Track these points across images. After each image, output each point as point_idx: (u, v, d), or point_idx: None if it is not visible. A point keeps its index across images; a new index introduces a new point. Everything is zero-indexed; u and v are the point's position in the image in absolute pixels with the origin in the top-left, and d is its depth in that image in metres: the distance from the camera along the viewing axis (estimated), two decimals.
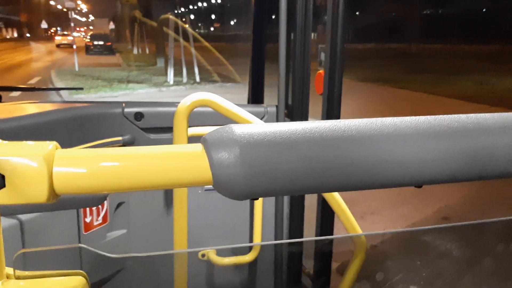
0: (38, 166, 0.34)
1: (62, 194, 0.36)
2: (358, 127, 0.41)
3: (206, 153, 0.38)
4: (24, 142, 0.36)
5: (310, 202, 2.04)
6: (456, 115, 0.45)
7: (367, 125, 0.42)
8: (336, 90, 1.79)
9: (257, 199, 0.40)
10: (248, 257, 1.83)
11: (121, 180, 0.36)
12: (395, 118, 0.44)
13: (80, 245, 0.47)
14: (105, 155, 0.37)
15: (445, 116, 0.45)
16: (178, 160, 0.38)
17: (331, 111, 1.78)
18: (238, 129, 0.38)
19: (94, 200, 0.91)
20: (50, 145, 0.36)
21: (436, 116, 0.45)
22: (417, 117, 0.44)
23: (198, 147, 0.39)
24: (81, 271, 0.42)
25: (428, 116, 0.45)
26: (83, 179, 0.36)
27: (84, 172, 0.36)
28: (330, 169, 0.40)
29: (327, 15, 1.75)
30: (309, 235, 2.06)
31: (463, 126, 0.43)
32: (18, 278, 0.41)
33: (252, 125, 0.40)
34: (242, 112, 1.32)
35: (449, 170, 0.43)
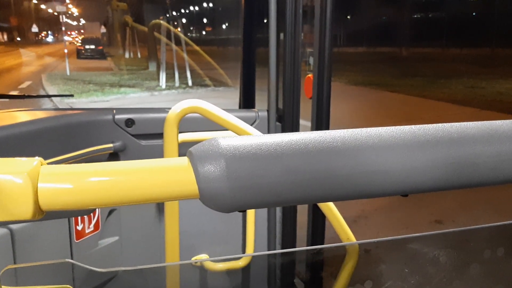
0: (23, 183, 0.34)
1: (48, 210, 0.36)
2: (344, 138, 0.42)
3: (192, 166, 0.38)
4: (9, 158, 0.36)
5: (303, 207, 2.04)
6: (440, 124, 0.46)
7: (352, 136, 0.42)
8: (325, 94, 1.80)
9: (245, 211, 0.40)
10: (241, 263, 1.82)
11: (107, 195, 0.36)
12: (380, 128, 0.44)
13: (67, 260, 0.46)
14: (90, 170, 0.37)
15: (429, 125, 0.45)
16: (164, 174, 0.38)
17: (321, 114, 1.80)
18: (223, 142, 0.39)
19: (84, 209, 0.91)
20: (35, 161, 0.36)
21: (421, 126, 0.45)
22: (402, 127, 0.45)
23: (184, 160, 0.39)
24: (69, 286, 0.42)
25: (413, 126, 0.45)
26: (68, 195, 0.35)
27: (69, 187, 0.35)
28: (316, 181, 0.40)
29: (314, 19, 1.75)
30: (303, 239, 2.06)
31: (447, 135, 0.44)
32: None
33: (238, 137, 0.40)
34: (232, 119, 1.32)
35: (434, 179, 0.43)
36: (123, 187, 0.37)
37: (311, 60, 1.95)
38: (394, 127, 0.44)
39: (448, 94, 10.96)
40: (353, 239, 1.34)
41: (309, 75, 1.92)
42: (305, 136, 0.41)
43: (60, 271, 0.58)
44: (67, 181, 0.36)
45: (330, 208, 1.32)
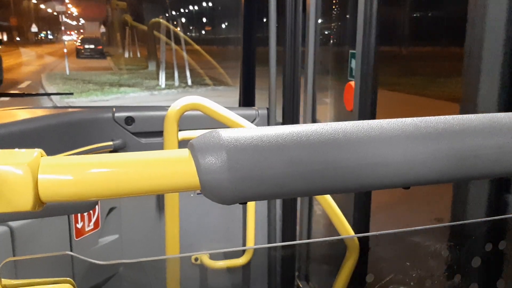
0: (23, 174, 0.34)
1: (48, 202, 0.35)
2: (345, 130, 0.42)
3: (193, 158, 0.38)
4: (9, 150, 0.36)
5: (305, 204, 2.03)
6: (442, 116, 0.45)
7: (353, 128, 0.42)
8: (369, 106, 1.46)
9: (246, 203, 0.40)
10: (241, 260, 1.83)
11: (107, 187, 0.36)
12: (381, 120, 0.44)
13: (68, 252, 0.46)
14: (91, 162, 0.37)
15: (431, 117, 0.45)
16: (165, 166, 0.38)
17: None
18: (224, 134, 0.38)
19: (84, 206, 0.91)
20: (35, 153, 0.35)
21: (422, 118, 0.45)
22: (404, 119, 0.44)
23: (185, 152, 0.39)
24: (69, 278, 0.41)
25: (414, 118, 0.45)
26: (68, 187, 0.35)
27: (69, 179, 0.35)
28: (317, 172, 0.40)
29: (358, 13, 1.46)
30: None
31: (449, 127, 0.44)
32: (4, 287, 0.40)
33: (239, 129, 0.40)
34: (233, 116, 1.33)
35: (436, 171, 0.43)
36: (123, 179, 0.37)
37: (353, 63, 1.60)
38: (395, 119, 0.44)
39: (448, 92, 10.95)
40: (351, 233, 1.34)
41: (350, 82, 1.59)
42: (307, 128, 0.41)
43: (60, 266, 0.57)
44: (67, 173, 0.35)
45: (329, 203, 1.32)
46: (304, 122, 1.93)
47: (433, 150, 0.42)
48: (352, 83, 1.54)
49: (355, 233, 1.41)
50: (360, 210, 1.65)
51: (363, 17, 1.43)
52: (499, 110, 1.26)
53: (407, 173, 0.42)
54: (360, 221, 1.62)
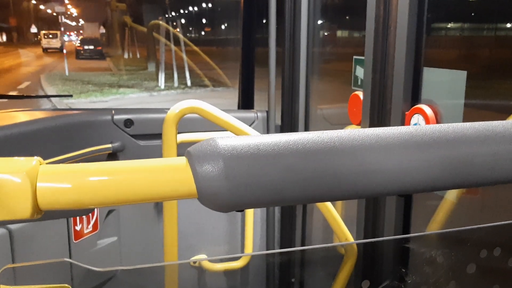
0: (21, 182, 0.34)
1: (47, 210, 0.36)
2: (341, 138, 0.42)
3: (190, 166, 0.38)
4: (8, 158, 0.36)
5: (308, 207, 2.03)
6: (437, 125, 0.46)
7: (350, 136, 0.42)
8: (382, 119, 1.27)
9: (243, 211, 0.41)
10: (239, 263, 1.83)
11: (106, 195, 0.36)
12: (377, 128, 0.44)
13: (65, 259, 0.46)
14: (89, 170, 0.37)
15: (426, 125, 0.46)
16: (163, 174, 0.38)
17: None
18: (221, 142, 0.39)
19: (83, 209, 0.91)
20: (34, 161, 0.36)
21: (418, 126, 0.45)
22: (399, 127, 0.45)
23: (183, 160, 0.40)
24: (67, 285, 0.42)
25: (410, 126, 0.46)
26: (67, 194, 0.36)
27: (68, 187, 0.36)
28: (314, 180, 0.40)
29: (367, 16, 1.30)
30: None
31: (444, 135, 0.44)
32: None
33: (236, 137, 0.40)
34: (231, 119, 1.33)
35: (431, 179, 0.43)
36: (121, 187, 0.37)
37: (358, 71, 1.44)
38: (391, 127, 0.45)
39: None
40: (351, 239, 1.34)
41: (356, 92, 1.44)
42: (303, 136, 0.41)
43: (58, 271, 0.58)
44: (65, 181, 0.36)
45: (328, 209, 1.32)
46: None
47: (428, 158, 0.43)
48: (359, 93, 1.39)
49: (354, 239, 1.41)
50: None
51: (374, 19, 1.27)
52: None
53: (403, 180, 0.43)
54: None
